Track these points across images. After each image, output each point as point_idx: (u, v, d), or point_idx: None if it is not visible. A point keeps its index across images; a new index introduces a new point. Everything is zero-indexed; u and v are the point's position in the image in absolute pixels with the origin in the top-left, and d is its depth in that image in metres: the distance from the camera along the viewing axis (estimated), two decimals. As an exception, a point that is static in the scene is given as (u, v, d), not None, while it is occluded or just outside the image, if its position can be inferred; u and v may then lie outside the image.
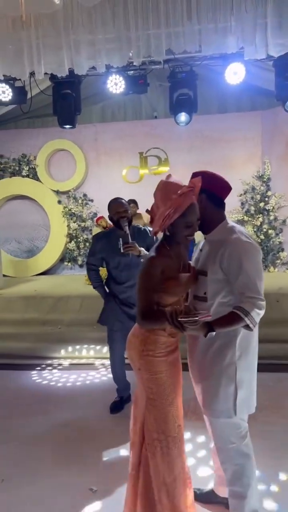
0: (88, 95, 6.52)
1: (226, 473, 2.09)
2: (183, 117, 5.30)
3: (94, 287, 3.61)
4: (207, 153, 7.09)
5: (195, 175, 1.97)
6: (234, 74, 4.70)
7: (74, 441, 3.12)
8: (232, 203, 6.84)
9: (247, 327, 1.82)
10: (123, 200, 3.31)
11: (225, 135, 7.22)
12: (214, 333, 1.80)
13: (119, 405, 3.56)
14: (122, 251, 3.03)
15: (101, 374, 4.42)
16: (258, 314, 1.81)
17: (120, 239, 3.07)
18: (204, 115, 6.83)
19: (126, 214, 3.21)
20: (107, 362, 4.65)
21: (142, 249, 3.08)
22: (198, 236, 2.11)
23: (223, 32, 3.83)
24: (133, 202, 6.63)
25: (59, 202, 7.71)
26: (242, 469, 2.03)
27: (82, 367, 4.63)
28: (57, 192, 7.76)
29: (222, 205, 2.01)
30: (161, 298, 1.94)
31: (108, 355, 4.67)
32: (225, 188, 2.00)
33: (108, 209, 3.30)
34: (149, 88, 5.18)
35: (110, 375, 4.29)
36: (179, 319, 1.71)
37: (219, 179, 2.00)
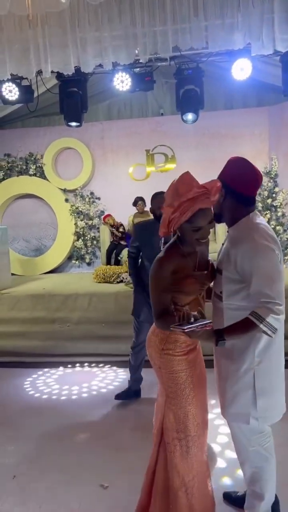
0: (95, 93, 6.53)
1: (245, 473, 2.07)
2: (190, 116, 5.31)
3: (129, 274, 3.81)
4: (214, 149, 7.07)
5: (231, 161, 1.90)
6: (241, 70, 4.68)
7: (84, 438, 3.14)
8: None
9: (265, 333, 1.72)
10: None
11: (232, 131, 7.19)
12: (225, 341, 1.74)
13: (125, 395, 3.60)
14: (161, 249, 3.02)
15: (110, 372, 4.43)
16: (276, 319, 1.69)
17: (163, 238, 2.92)
18: (211, 112, 6.81)
19: None
20: (117, 359, 4.67)
21: None
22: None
23: (230, 28, 3.81)
24: (141, 199, 6.64)
25: (66, 200, 7.73)
26: (261, 472, 2.00)
27: (91, 365, 4.65)
28: (64, 191, 7.78)
29: (245, 201, 1.88)
30: (177, 298, 1.92)
31: (117, 351, 4.71)
32: (250, 185, 1.88)
33: (151, 202, 3.29)
34: (155, 85, 5.17)
35: (120, 374, 4.32)
36: (172, 327, 1.69)
37: (245, 176, 1.87)
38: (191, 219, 1.78)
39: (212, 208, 1.87)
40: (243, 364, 1.86)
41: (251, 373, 1.86)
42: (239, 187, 1.85)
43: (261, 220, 1.90)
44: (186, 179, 1.80)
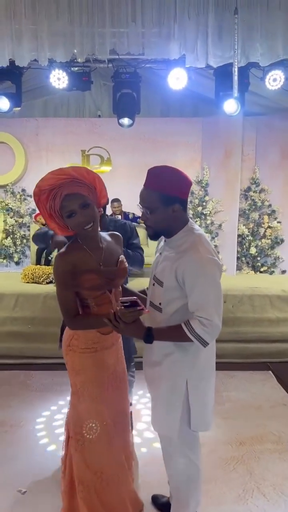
0: (31, 88, 6.35)
1: (171, 480, 2.08)
2: (125, 120, 5.36)
3: None
4: (149, 155, 7.16)
5: (155, 177, 1.79)
6: (177, 79, 4.78)
7: (1, 443, 3.03)
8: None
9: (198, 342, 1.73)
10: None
11: (167, 138, 7.34)
12: (153, 340, 1.74)
13: None
14: None
15: (36, 373, 4.33)
16: (206, 333, 1.70)
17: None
18: (147, 118, 6.92)
19: None
20: (42, 361, 4.57)
21: None
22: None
23: (166, 38, 3.89)
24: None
25: (-4, 196, 7.43)
26: (189, 480, 2.02)
27: (16, 367, 4.51)
28: (-6, 186, 7.46)
29: (183, 205, 1.83)
30: (82, 294, 1.91)
31: (43, 354, 4.61)
32: (184, 187, 1.82)
33: None
34: (94, 86, 5.14)
35: (44, 375, 4.22)
36: (119, 309, 1.68)
37: (179, 179, 1.79)
38: (62, 205, 1.81)
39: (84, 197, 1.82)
40: (178, 373, 1.85)
41: (184, 383, 1.85)
42: (176, 191, 1.77)
43: (199, 229, 1.89)
44: (51, 173, 1.83)
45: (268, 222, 7.22)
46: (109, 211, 6.62)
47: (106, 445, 2.00)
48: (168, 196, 1.75)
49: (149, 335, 1.74)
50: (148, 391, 2.06)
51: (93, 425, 1.97)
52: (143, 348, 2.02)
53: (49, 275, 5.93)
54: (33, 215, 7.23)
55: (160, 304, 1.86)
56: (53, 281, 5.78)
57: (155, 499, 2.40)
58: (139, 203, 1.83)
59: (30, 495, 2.47)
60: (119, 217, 6.35)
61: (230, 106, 4.90)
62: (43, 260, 6.76)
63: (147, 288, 2.07)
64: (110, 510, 2.03)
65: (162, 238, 1.98)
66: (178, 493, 2.07)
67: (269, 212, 7.25)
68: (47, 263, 6.64)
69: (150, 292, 1.96)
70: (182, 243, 1.81)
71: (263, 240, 7.23)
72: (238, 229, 7.18)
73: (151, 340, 1.75)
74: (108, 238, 2.04)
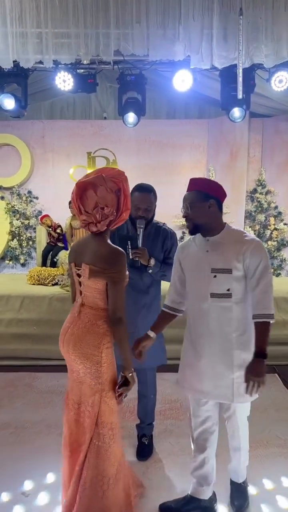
0: (37, 91, 6.38)
1: (243, 454, 2.38)
2: (131, 118, 5.30)
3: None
4: (154, 157, 7.18)
5: (194, 181, 2.14)
6: (182, 81, 4.79)
7: (6, 444, 3.03)
8: (177, 208, 6.92)
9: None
10: (151, 194, 2.61)
11: (172, 140, 7.34)
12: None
13: None
14: (130, 256, 2.51)
15: (41, 375, 4.33)
16: (271, 306, 2.03)
17: (129, 242, 2.52)
18: (153, 120, 6.92)
19: (146, 215, 2.59)
20: (47, 363, 4.57)
21: (153, 259, 2.59)
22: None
23: (171, 39, 3.89)
24: None
25: (2, 198, 7.46)
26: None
27: (21, 369, 4.51)
28: (0, 188, 7.50)
29: (221, 208, 2.16)
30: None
31: (49, 355, 4.61)
32: (223, 192, 2.17)
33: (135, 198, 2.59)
34: (99, 89, 5.14)
35: (50, 377, 4.22)
36: None
37: (221, 186, 2.17)
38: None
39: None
40: (251, 347, 2.09)
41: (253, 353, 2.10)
42: (211, 191, 2.11)
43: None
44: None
45: (274, 224, 7.18)
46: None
47: (120, 434, 2.13)
48: (204, 193, 2.09)
49: (262, 354, 2.00)
50: (221, 375, 2.16)
51: (118, 416, 2.10)
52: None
53: (55, 277, 5.94)
54: (39, 217, 7.25)
55: (228, 290, 2.06)
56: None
57: (166, 507, 2.38)
58: (182, 205, 2.15)
59: (33, 497, 2.46)
60: None
61: (235, 113, 4.96)
62: (48, 262, 6.79)
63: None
64: (119, 498, 2.12)
65: (187, 245, 2.25)
66: (245, 451, 2.40)
67: (275, 214, 7.22)
68: (53, 265, 6.66)
69: (207, 284, 2.10)
70: (233, 236, 2.10)
71: (269, 242, 7.19)
72: (244, 231, 7.15)
73: (265, 356, 2.00)
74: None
